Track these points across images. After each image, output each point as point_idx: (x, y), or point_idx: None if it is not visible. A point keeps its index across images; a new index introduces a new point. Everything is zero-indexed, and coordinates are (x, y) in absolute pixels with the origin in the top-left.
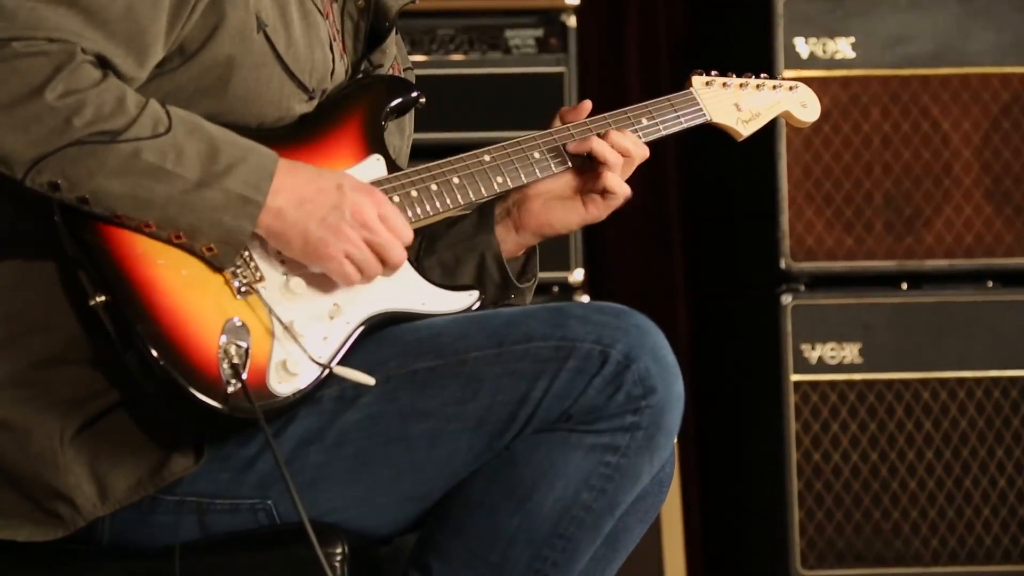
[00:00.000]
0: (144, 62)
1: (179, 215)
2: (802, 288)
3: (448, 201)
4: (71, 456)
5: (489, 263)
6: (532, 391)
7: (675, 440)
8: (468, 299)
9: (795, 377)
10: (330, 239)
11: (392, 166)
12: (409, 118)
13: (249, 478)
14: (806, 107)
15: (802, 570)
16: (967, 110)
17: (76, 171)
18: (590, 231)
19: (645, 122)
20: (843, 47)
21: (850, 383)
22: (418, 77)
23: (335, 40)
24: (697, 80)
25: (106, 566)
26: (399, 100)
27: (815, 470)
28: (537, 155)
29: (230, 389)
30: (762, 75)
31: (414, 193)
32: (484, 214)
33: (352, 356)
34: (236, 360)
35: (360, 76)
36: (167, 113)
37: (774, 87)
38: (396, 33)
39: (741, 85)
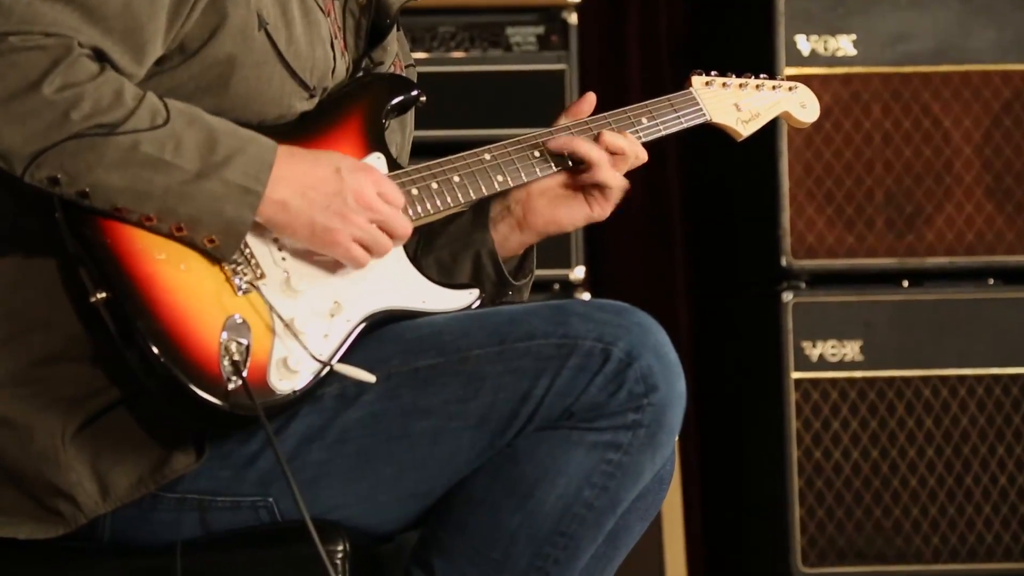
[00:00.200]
0: (142, 59)
1: (179, 206)
2: (803, 286)
3: (449, 199)
4: (72, 454)
5: (485, 260)
6: (534, 389)
7: (676, 438)
8: (469, 297)
9: (796, 375)
10: (337, 226)
11: (393, 164)
12: (410, 116)
13: (250, 475)
14: (805, 107)
15: (803, 568)
16: (968, 107)
17: (75, 165)
18: (591, 229)
19: (645, 122)
20: (844, 44)
21: (851, 381)
22: (419, 74)
23: (336, 37)
24: (697, 80)
25: (107, 564)
26: (400, 98)
27: (816, 468)
28: (537, 153)
29: (231, 386)
30: (762, 75)
31: (415, 191)
32: (480, 211)
33: (353, 354)
34: (237, 357)
35: (361, 74)
36: (165, 105)
37: (774, 87)
38: (398, 30)
39: (741, 85)
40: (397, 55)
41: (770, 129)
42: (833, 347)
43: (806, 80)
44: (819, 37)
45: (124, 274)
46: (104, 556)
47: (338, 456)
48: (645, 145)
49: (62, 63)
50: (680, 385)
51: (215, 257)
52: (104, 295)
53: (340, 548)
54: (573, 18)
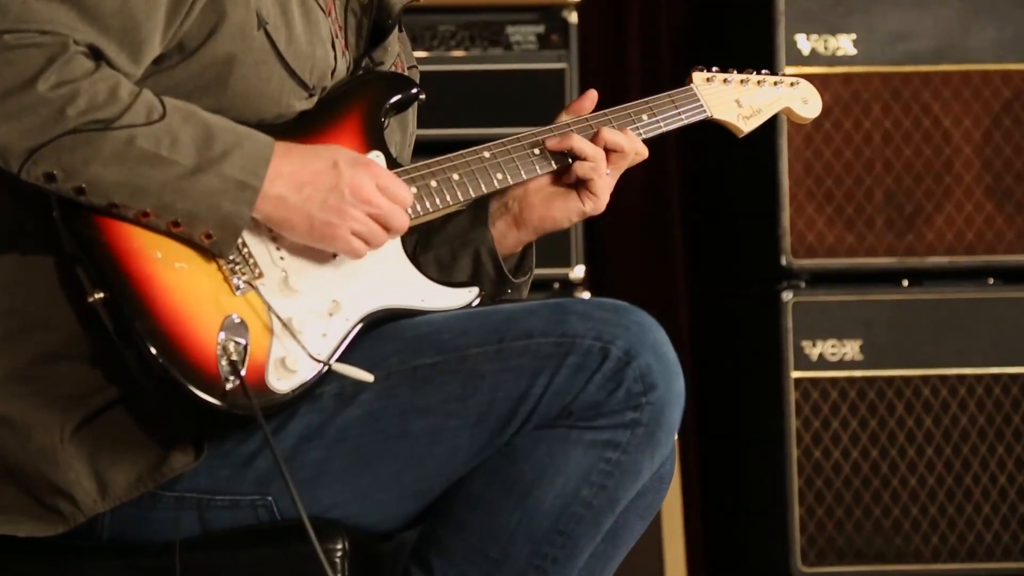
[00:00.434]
0: (138, 58)
1: (176, 201)
2: (803, 285)
3: (448, 197)
4: (71, 452)
5: (484, 258)
6: (532, 387)
7: (676, 437)
8: (468, 295)
9: (796, 374)
10: (334, 220)
11: (392, 162)
12: (412, 115)
13: (249, 474)
14: (807, 103)
15: (802, 567)
16: (968, 107)
17: (72, 160)
18: (591, 227)
19: (646, 118)
20: (844, 44)
21: (851, 380)
22: (419, 73)
23: (337, 37)
24: (698, 76)
25: (106, 562)
26: (398, 97)
27: (816, 467)
28: (537, 151)
29: (228, 386)
30: (763, 71)
31: (414, 189)
32: (479, 209)
33: (352, 352)
34: (235, 357)
35: (361, 72)
36: (161, 101)
37: (775, 83)
38: (401, 31)
39: (742, 81)
40: (399, 56)
41: (770, 128)
42: (833, 346)
43: (806, 79)
44: (819, 36)
45: (122, 274)
46: (103, 554)
47: (337, 455)
48: (646, 142)
49: (57, 60)
50: (679, 384)
51: (213, 255)
52: (102, 295)
53: (339, 547)
54: (573, 17)
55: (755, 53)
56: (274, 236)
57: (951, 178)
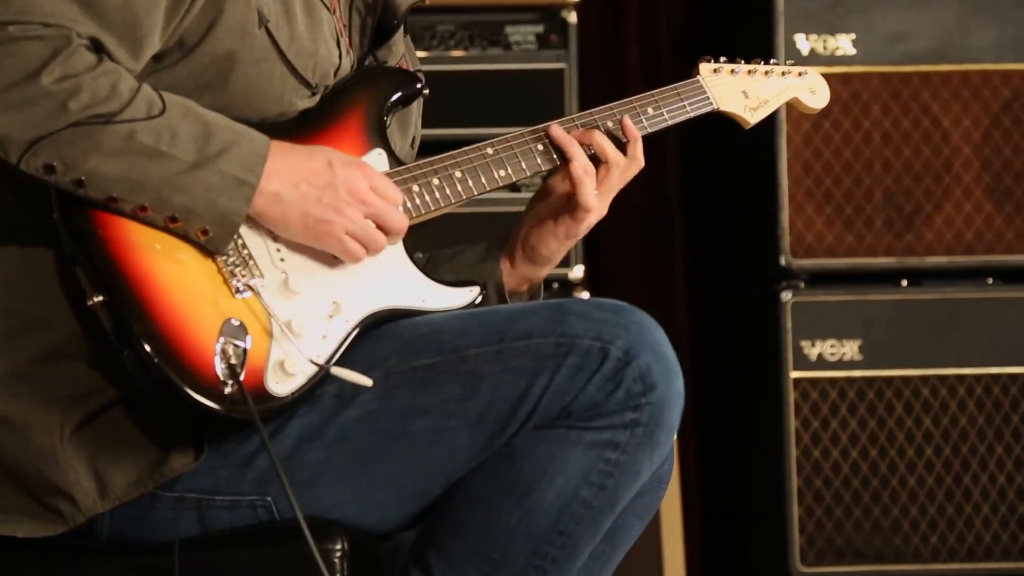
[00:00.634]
0: (138, 53)
1: (173, 196)
2: (802, 285)
3: (450, 195)
4: (71, 452)
5: (491, 291)
6: (532, 388)
7: (675, 437)
8: (469, 295)
9: (795, 374)
10: (330, 218)
11: (394, 160)
12: (415, 116)
13: (248, 475)
14: (815, 93)
15: (801, 567)
16: (967, 107)
17: (72, 153)
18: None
19: (651, 111)
20: (844, 44)
21: (850, 380)
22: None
23: (342, 35)
24: (705, 67)
25: (106, 562)
26: (401, 93)
27: (814, 467)
28: (541, 147)
29: (227, 390)
30: (772, 60)
31: (416, 188)
32: (490, 247)
33: (352, 353)
34: (233, 360)
35: (363, 69)
36: (160, 97)
37: (783, 73)
38: (407, 35)
39: (749, 72)
40: (404, 57)
41: (769, 127)
42: (832, 346)
43: None
44: (818, 36)
45: (121, 277)
46: (103, 554)
47: (336, 455)
48: (649, 137)
49: (61, 54)
50: (678, 384)
51: (211, 256)
52: (101, 298)
53: (338, 547)
54: (573, 17)
55: (754, 53)
56: (274, 237)
57: (950, 178)
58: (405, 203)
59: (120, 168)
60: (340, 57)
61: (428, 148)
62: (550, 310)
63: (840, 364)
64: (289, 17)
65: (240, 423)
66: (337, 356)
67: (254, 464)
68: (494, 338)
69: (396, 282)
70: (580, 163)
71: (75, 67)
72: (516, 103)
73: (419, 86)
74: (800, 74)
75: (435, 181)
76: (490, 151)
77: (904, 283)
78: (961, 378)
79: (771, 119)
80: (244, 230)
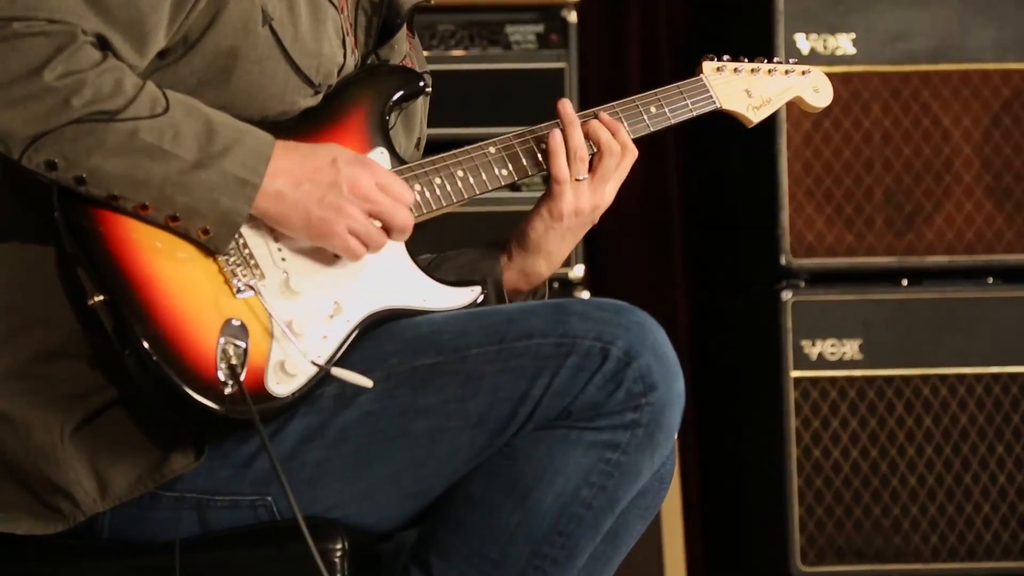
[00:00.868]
0: (143, 50)
1: (175, 195)
2: (802, 284)
3: (452, 194)
4: (71, 452)
5: (489, 288)
6: (532, 388)
7: (676, 437)
8: (470, 295)
9: (795, 373)
10: (332, 217)
11: (396, 159)
12: (421, 118)
13: (249, 475)
14: (819, 92)
15: (802, 566)
16: (968, 106)
17: (74, 149)
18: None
19: (654, 110)
20: (844, 43)
21: (850, 379)
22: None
23: (348, 34)
24: (708, 66)
25: (106, 561)
26: (402, 92)
27: (815, 466)
28: (542, 146)
29: (227, 391)
30: (775, 59)
31: (417, 187)
32: (491, 245)
33: (352, 353)
34: (234, 361)
35: (366, 67)
36: (164, 95)
37: (786, 72)
38: (415, 37)
39: (752, 70)
40: (408, 56)
41: (769, 127)
42: (832, 346)
43: None
44: (818, 36)
45: (122, 277)
46: (103, 553)
47: (337, 455)
48: (649, 137)
49: (65, 51)
50: (679, 384)
51: (212, 255)
52: (102, 298)
53: (339, 547)
54: (573, 17)
55: (755, 52)
56: (275, 236)
57: (950, 177)
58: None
59: (122, 166)
60: (345, 56)
61: (429, 147)
62: (550, 310)
63: (840, 363)
64: (293, 16)
65: (240, 424)
66: (338, 356)
67: (255, 464)
68: (495, 338)
69: (397, 282)
70: (555, 135)
71: (79, 63)
72: (516, 102)
73: (421, 84)
74: (804, 73)
75: (437, 180)
76: (492, 150)
77: (904, 282)
78: (961, 377)
79: (771, 118)
80: (245, 229)
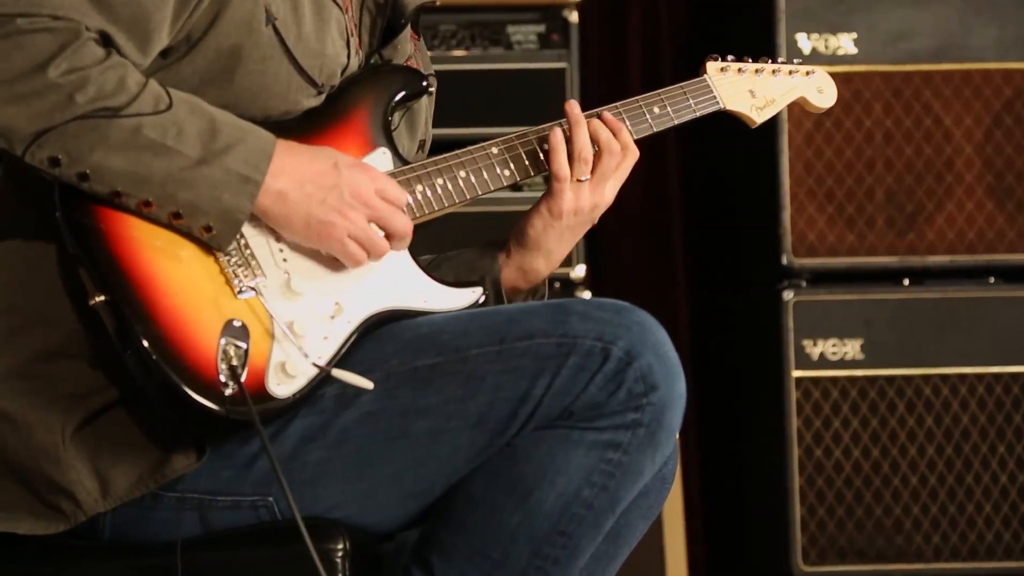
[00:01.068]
0: (146, 48)
1: (178, 191)
2: (804, 284)
3: (454, 194)
4: (72, 452)
5: (488, 287)
6: (533, 388)
7: (677, 437)
8: (471, 295)
9: (797, 373)
10: (333, 220)
11: (399, 159)
12: (426, 119)
13: (250, 475)
14: (823, 92)
15: (804, 566)
16: (969, 106)
17: (78, 146)
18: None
19: (657, 110)
20: (845, 43)
21: (852, 379)
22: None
23: (352, 35)
24: (712, 66)
25: (107, 561)
26: (405, 92)
27: (817, 466)
28: (544, 146)
29: (228, 391)
30: (779, 59)
31: (419, 187)
32: (490, 245)
33: (353, 353)
34: (235, 362)
35: (369, 67)
36: (167, 92)
37: (790, 72)
38: (420, 39)
39: (756, 71)
40: (411, 58)
41: (771, 127)
42: (834, 346)
43: None
44: (820, 35)
45: (123, 277)
46: (104, 553)
47: (338, 456)
48: (653, 136)
49: (69, 47)
50: (680, 384)
51: (214, 255)
52: (103, 298)
53: (340, 547)
54: (574, 17)
55: (756, 52)
56: (277, 237)
57: (952, 177)
58: (408, 203)
59: (125, 162)
60: (348, 57)
61: (430, 148)
62: (551, 310)
63: (842, 363)
64: (297, 16)
65: (240, 424)
66: (338, 357)
67: (256, 465)
68: (495, 338)
69: (398, 283)
70: (556, 133)
71: (83, 60)
72: (518, 103)
73: (424, 84)
74: (807, 73)
75: (439, 180)
76: (494, 150)
77: (906, 282)
78: (963, 377)
79: (773, 118)
80: (247, 230)
